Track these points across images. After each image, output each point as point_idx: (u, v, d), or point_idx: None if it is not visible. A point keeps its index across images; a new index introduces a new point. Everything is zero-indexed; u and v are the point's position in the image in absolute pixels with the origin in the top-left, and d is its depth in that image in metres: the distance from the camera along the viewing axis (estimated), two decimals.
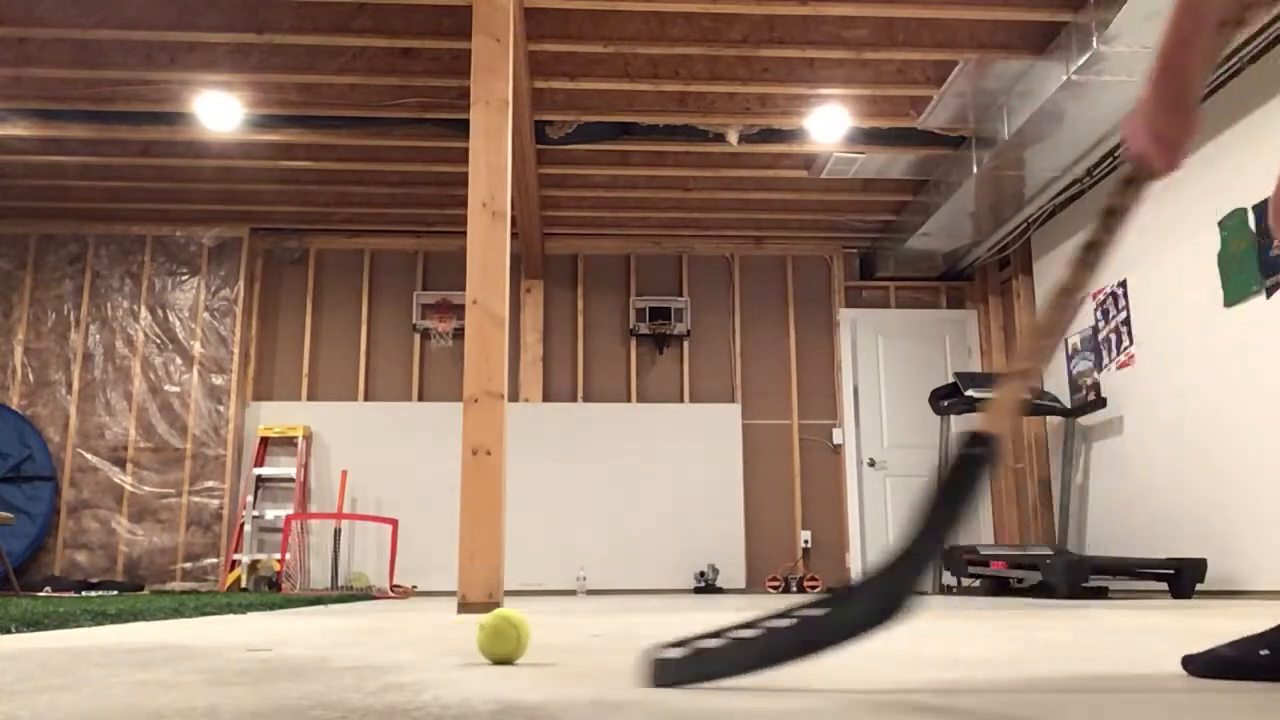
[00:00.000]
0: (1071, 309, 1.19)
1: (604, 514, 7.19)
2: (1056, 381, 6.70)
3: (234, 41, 5.13)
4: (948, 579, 6.46)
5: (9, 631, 2.08)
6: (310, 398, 7.37)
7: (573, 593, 6.92)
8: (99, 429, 7.07)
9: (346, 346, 7.50)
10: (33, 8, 4.88)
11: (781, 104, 5.76)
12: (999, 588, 5.99)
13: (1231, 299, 4.92)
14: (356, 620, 2.73)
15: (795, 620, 1.02)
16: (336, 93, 5.63)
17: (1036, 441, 6.91)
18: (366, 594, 5.95)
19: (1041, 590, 5.48)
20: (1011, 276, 7.30)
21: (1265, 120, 4.69)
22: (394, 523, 6.52)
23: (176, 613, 2.84)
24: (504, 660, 1.32)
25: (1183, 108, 1.13)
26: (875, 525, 7.38)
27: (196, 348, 7.23)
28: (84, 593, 6.07)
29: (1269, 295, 4.65)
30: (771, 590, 7.02)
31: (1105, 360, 6.10)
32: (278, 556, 6.69)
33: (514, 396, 7.45)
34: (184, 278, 7.36)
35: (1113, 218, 1.19)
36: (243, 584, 6.78)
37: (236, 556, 6.86)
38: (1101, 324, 6.15)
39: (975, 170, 5.87)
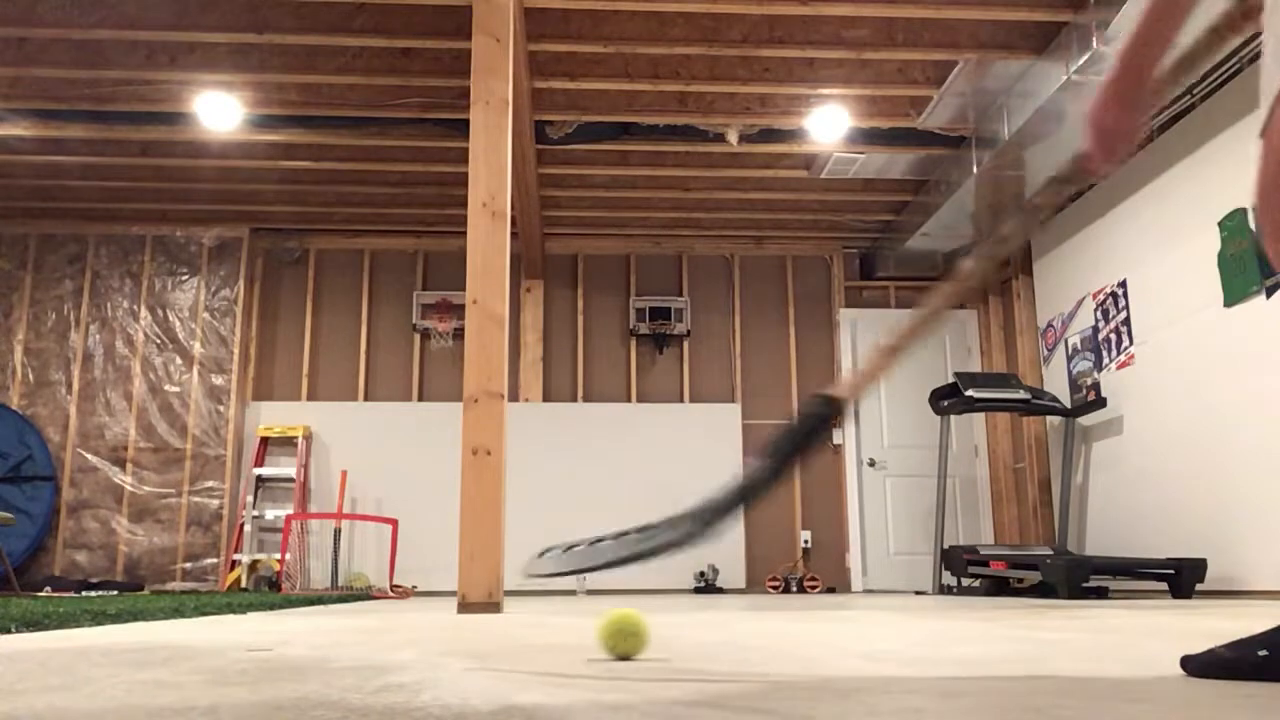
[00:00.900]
0: (958, 296, 1.32)
1: (604, 514, 7.18)
2: (1056, 381, 6.70)
3: (234, 41, 5.13)
4: (948, 579, 6.46)
5: (9, 631, 2.08)
6: (310, 398, 7.37)
7: (573, 593, 6.92)
8: (99, 429, 7.07)
9: (346, 346, 7.50)
10: (33, 8, 4.88)
11: (781, 104, 5.76)
12: (999, 588, 5.99)
13: (1231, 299, 4.92)
14: (356, 620, 2.73)
15: (639, 533, 1.24)
16: (336, 93, 5.63)
17: (1036, 441, 6.91)
18: (366, 594, 5.95)
19: (1041, 590, 5.48)
20: (1011, 276, 7.30)
21: None
22: (394, 523, 6.52)
23: (176, 613, 2.84)
24: (624, 656, 1.45)
25: (1134, 107, 1.14)
26: (875, 525, 7.38)
27: (196, 348, 7.23)
28: (84, 593, 6.07)
29: (1269, 295, 4.65)
30: (772, 590, 7.02)
31: (1105, 360, 6.09)
32: (278, 556, 6.69)
33: (514, 396, 7.45)
34: (184, 278, 7.36)
35: (1031, 215, 1.24)
36: (243, 584, 6.78)
37: (236, 556, 6.86)
38: (1101, 324, 6.15)
39: (975, 170, 5.87)
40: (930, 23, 5.08)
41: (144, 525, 6.93)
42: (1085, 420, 6.36)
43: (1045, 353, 6.90)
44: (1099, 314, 6.17)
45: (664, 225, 7.60)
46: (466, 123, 4.02)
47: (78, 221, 7.37)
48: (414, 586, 6.84)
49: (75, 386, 7.12)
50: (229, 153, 6.39)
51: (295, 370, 7.43)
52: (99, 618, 2.49)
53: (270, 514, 7.01)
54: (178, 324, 7.28)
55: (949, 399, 6.35)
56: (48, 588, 6.43)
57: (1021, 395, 6.18)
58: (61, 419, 7.08)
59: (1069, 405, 6.47)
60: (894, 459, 7.51)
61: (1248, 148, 4.82)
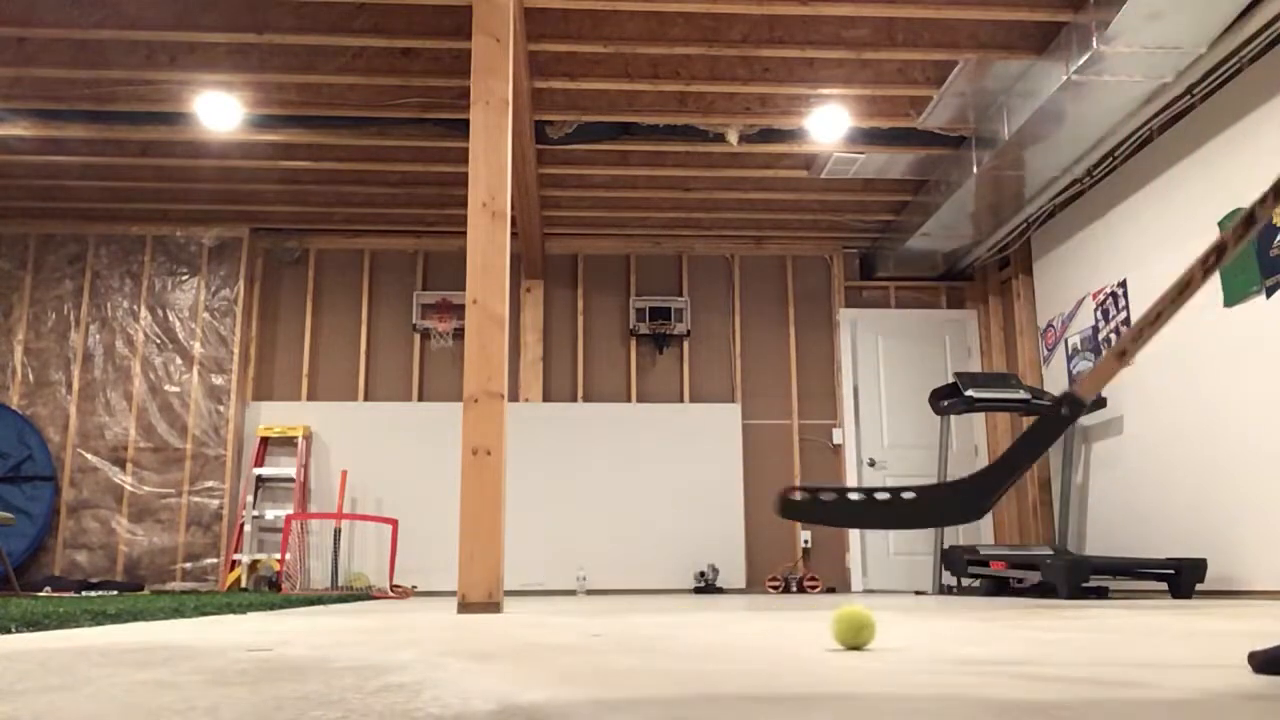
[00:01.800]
0: (1180, 301, 1.34)
1: (604, 514, 7.18)
2: (1056, 382, 6.70)
3: (234, 41, 5.13)
4: (948, 579, 6.46)
5: (9, 631, 2.08)
6: (310, 398, 7.37)
7: (573, 593, 6.92)
8: (99, 429, 7.07)
9: (346, 346, 7.50)
10: (33, 8, 4.89)
11: (781, 104, 5.77)
12: (999, 588, 5.99)
13: (1231, 299, 4.92)
14: (356, 620, 2.73)
15: (889, 497, 1.29)
16: (336, 93, 5.63)
17: None
18: (366, 594, 5.95)
19: (1041, 590, 5.48)
20: (1011, 276, 7.30)
21: (1265, 120, 4.69)
22: (394, 523, 6.52)
23: (176, 613, 2.84)
24: (854, 646, 1.61)
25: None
26: None
27: (196, 348, 7.23)
28: (84, 593, 6.07)
29: (1269, 295, 4.65)
30: (772, 590, 7.02)
31: None
32: (278, 556, 6.69)
33: (514, 396, 7.45)
34: (184, 278, 7.37)
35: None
36: (243, 584, 6.78)
37: (236, 556, 6.86)
38: (1101, 324, 6.15)
39: (975, 170, 5.88)
40: (930, 23, 5.08)
41: (144, 525, 6.93)
42: (1085, 420, 6.36)
43: (1045, 353, 6.90)
44: (1099, 314, 6.17)
45: (664, 225, 7.61)
46: (466, 123, 4.02)
47: (78, 221, 7.37)
48: (414, 586, 6.84)
49: (75, 386, 7.12)
50: (229, 153, 6.39)
51: (295, 370, 7.43)
52: (99, 618, 2.49)
53: (270, 514, 7.02)
54: (178, 324, 7.28)
55: (949, 399, 6.35)
56: (48, 588, 6.43)
57: (1021, 395, 6.18)
58: (61, 419, 7.08)
59: None
60: (894, 459, 7.51)
61: (1248, 148, 4.82)
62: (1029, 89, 5.20)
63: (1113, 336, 6.02)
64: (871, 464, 7.48)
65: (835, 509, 1.30)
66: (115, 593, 6.13)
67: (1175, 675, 1.19)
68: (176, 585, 6.85)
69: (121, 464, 7.02)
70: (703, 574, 6.98)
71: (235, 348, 7.24)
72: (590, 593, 6.94)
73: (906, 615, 3.00)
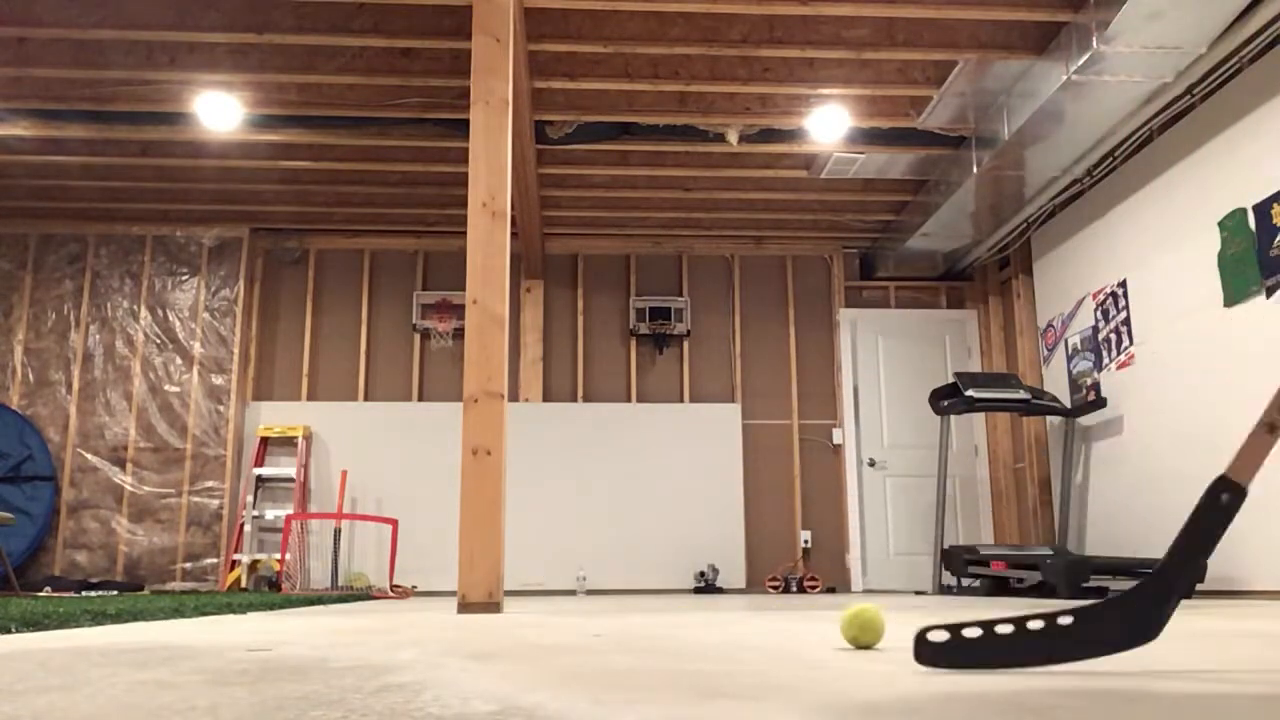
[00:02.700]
0: None
1: (604, 514, 7.19)
2: (1056, 382, 6.70)
3: (234, 41, 5.13)
4: (948, 579, 6.46)
5: (9, 631, 2.08)
6: (310, 398, 7.37)
7: (573, 593, 6.92)
8: (99, 429, 7.07)
9: (346, 346, 7.50)
10: (33, 8, 4.89)
11: (781, 104, 5.77)
12: (999, 588, 5.99)
13: (1231, 299, 4.92)
14: (356, 620, 2.73)
15: (1043, 625, 1.14)
16: (336, 93, 5.63)
17: (1036, 441, 6.91)
18: (366, 594, 5.95)
19: (1041, 590, 5.48)
20: (1011, 276, 7.30)
21: (1265, 120, 4.69)
22: (394, 523, 6.52)
23: (176, 613, 2.84)
24: (865, 646, 1.61)
25: None
26: (875, 525, 7.38)
27: (196, 348, 7.23)
28: (84, 593, 6.07)
29: (1269, 295, 4.65)
30: (771, 590, 7.02)
31: (1105, 360, 6.10)
32: (278, 556, 6.69)
33: (514, 396, 7.46)
34: (184, 278, 7.37)
35: None
36: (243, 584, 6.78)
37: (236, 556, 6.86)
38: (1101, 324, 6.15)
39: (975, 170, 5.88)
40: (930, 23, 5.08)
41: (144, 525, 6.93)
42: (1085, 420, 6.36)
43: (1045, 353, 6.90)
44: (1099, 314, 6.17)
45: (664, 225, 7.61)
46: (466, 123, 4.02)
47: (78, 221, 7.37)
48: (414, 586, 6.84)
49: (75, 386, 7.12)
50: (229, 153, 6.39)
51: (295, 370, 7.43)
52: (99, 618, 2.49)
53: (270, 514, 7.02)
54: (178, 324, 7.28)
55: (949, 399, 6.35)
56: (48, 588, 6.43)
57: (1021, 395, 6.18)
58: (61, 419, 7.08)
59: (1069, 405, 6.47)
60: (894, 459, 7.51)
61: (1248, 148, 4.82)
62: (1029, 89, 5.20)
63: (1113, 336, 6.02)
64: (871, 464, 7.48)
65: (983, 647, 1.14)
66: (115, 593, 6.13)
67: (1175, 673, 1.19)
68: (176, 585, 6.85)
69: (121, 464, 7.02)
70: (703, 574, 6.98)
71: (235, 348, 7.24)
72: (590, 593, 6.94)
73: (906, 615, 3.00)
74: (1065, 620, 1.14)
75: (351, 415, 7.27)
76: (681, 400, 7.53)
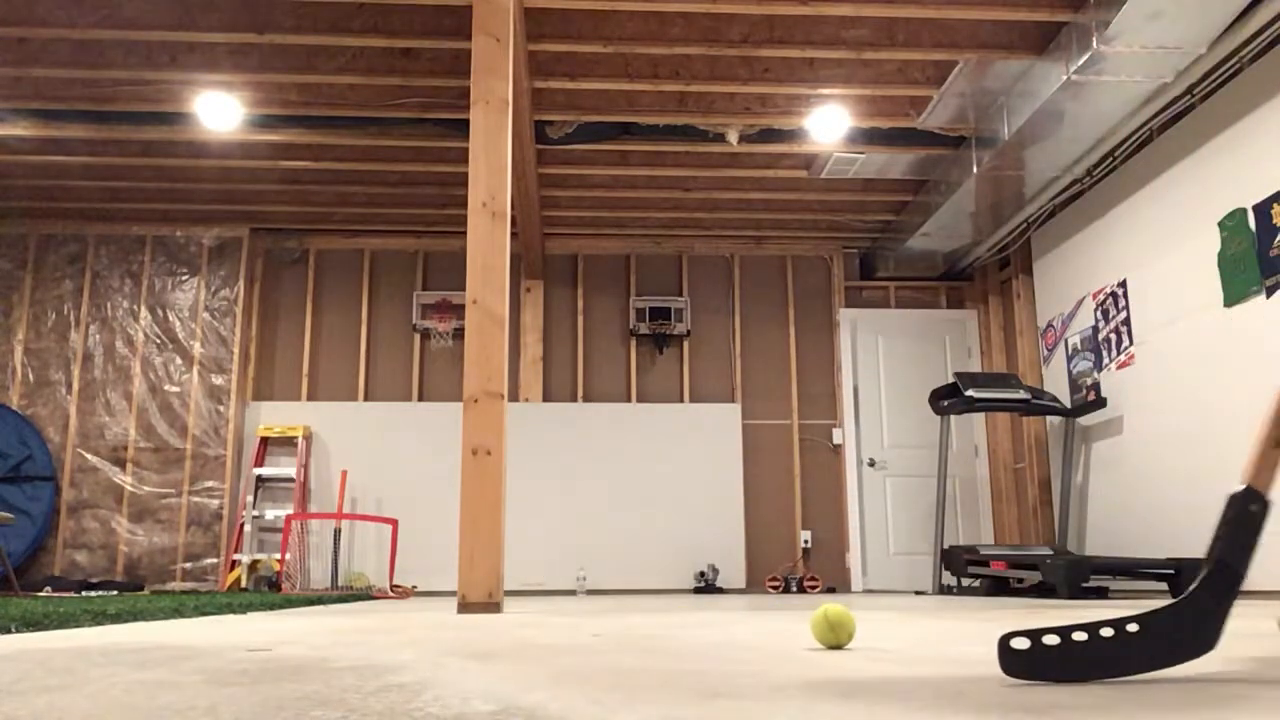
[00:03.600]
0: None
1: (604, 514, 7.18)
2: (1056, 382, 6.70)
3: (234, 41, 5.13)
4: (948, 579, 6.46)
5: (9, 631, 2.08)
6: (310, 398, 7.37)
7: (573, 592, 6.92)
8: (99, 429, 7.07)
9: (346, 346, 7.50)
10: (33, 8, 4.88)
11: (781, 104, 5.77)
12: (999, 588, 5.99)
13: (1231, 299, 4.92)
14: (356, 620, 2.73)
15: (1113, 633, 1.11)
16: (336, 93, 5.63)
17: (1036, 441, 6.91)
18: (366, 594, 5.95)
19: (1041, 590, 5.47)
20: (1011, 276, 7.30)
21: (1265, 120, 4.69)
22: (394, 523, 6.52)
23: (176, 613, 2.84)
24: (835, 646, 1.63)
25: None
26: (875, 525, 7.38)
27: (196, 348, 7.23)
28: (84, 593, 6.07)
29: (1269, 295, 4.65)
30: (772, 590, 7.02)
31: (1105, 360, 6.10)
32: (278, 556, 6.69)
33: (514, 396, 7.45)
34: (184, 278, 7.37)
35: None
36: (243, 584, 6.78)
37: (236, 556, 6.86)
38: (1101, 324, 6.15)
39: (975, 170, 5.88)
40: (930, 23, 5.08)
41: (144, 525, 6.93)
42: (1085, 420, 6.36)
43: (1045, 353, 6.90)
44: (1099, 314, 6.17)
45: (664, 225, 7.61)
46: (466, 123, 4.02)
47: (78, 221, 7.37)
48: (414, 586, 6.84)
49: (75, 386, 7.12)
50: (229, 153, 6.39)
51: (295, 370, 7.43)
52: (99, 618, 2.49)
53: (270, 514, 7.02)
54: (178, 324, 7.28)
55: (949, 399, 6.35)
56: (48, 588, 6.43)
57: (1021, 395, 6.18)
58: (61, 419, 7.08)
59: (1069, 405, 6.47)
60: (894, 459, 7.51)
61: (1248, 148, 4.82)
62: (1029, 89, 5.20)
63: (1113, 336, 6.02)
64: (871, 464, 7.48)
65: (1064, 657, 1.10)
66: (115, 593, 6.13)
67: (1175, 673, 1.19)
68: (176, 585, 6.84)
69: (121, 464, 7.02)
70: (703, 574, 6.98)
71: (235, 348, 7.24)
72: (590, 592, 6.94)
73: (906, 615, 3.00)
74: (1132, 628, 1.11)
75: (351, 415, 7.27)
76: (681, 400, 7.53)
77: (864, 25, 5.09)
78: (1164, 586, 5.80)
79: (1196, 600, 1.13)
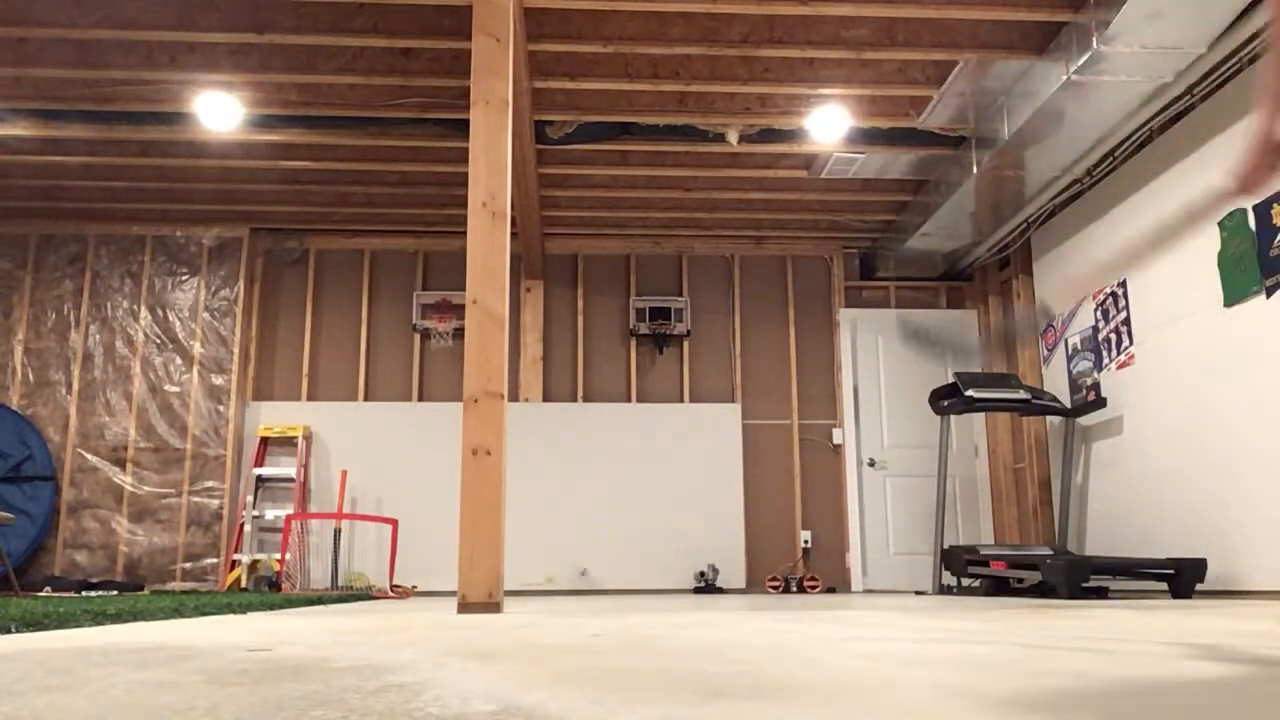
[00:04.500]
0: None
1: (604, 514, 7.18)
2: (1056, 382, 6.70)
3: (234, 41, 5.13)
4: (948, 579, 6.46)
5: (9, 631, 2.08)
6: (310, 398, 7.37)
7: (573, 592, 6.92)
8: (99, 429, 7.07)
9: (346, 346, 7.50)
10: (33, 8, 4.88)
11: (781, 104, 5.77)
12: (999, 588, 5.99)
13: (1231, 299, 4.92)
14: (356, 620, 2.73)
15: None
16: (336, 93, 5.63)
17: (1036, 441, 6.91)
18: (366, 594, 5.95)
19: (1041, 590, 5.47)
20: (1011, 276, 7.30)
21: None
22: (394, 523, 6.52)
23: (176, 613, 2.84)
24: None
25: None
26: (875, 525, 7.38)
27: (196, 348, 7.23)
28: (84, 593, 6.07)
29: (1269, 295, 4.65)
30: (772, 590, 7.02)
31: (1105, 360, 6.10)
32: (278, 556, 6.69)
33: (514, 396, 7.45)
34: (184, 278, 7.37)
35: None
36: (243, 584, 6.78)
37: (236, 556, 6.86)
38: (1101, 324, 6.15)
39: (975, 170, 5.88)
40: (930, 23, 5.08)
41: (144, 525, 6.93)
42: (1085, 420, 6.36)
43: (1045, 353, 6.90)
44: (1099, 314, 6.17)
45: (664, 225, 7.61)
46: (466, 123, 4.02)
47: (78, 221, 7.37)
48: (414, 586, 6.84)
49: (75, 386, 7.12)
50: (229, 153, 6.39)
51: (295, 370, 7.43)
52: (99, 618, 2.49)
53: (270, 514, 7.02)
54: (178, 324, 7.28)
55: (949, 399, 6.35)
56: (48, 588, 6.43)
57: (1021, 395, 6.18)
58: (61, 419, 7.08)
59: (1069, 405, 6.47)
60: (894, 459, 7.51)
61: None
62: (1029, 89, 5.20)
63: (1113, 336, 6.02)
64: (871, 464, 7.48)
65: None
66: (115, 593, 6.13)
67: (1177, 673, 1.19)
68: (176, 585, 6.85)
69: (121, 464, 7.02)
70: (703, 574, 6.98)
71: (235, 348, 7.24)
72: (590, 591, 6.94)
73: (906, 615, 3.00)
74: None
75: (351, 415, 7.27)
76: (681, 400, 7.53)
77: (864, 25, 5.09)
78: (1164, 587, 5.80)
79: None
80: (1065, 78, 4.78)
